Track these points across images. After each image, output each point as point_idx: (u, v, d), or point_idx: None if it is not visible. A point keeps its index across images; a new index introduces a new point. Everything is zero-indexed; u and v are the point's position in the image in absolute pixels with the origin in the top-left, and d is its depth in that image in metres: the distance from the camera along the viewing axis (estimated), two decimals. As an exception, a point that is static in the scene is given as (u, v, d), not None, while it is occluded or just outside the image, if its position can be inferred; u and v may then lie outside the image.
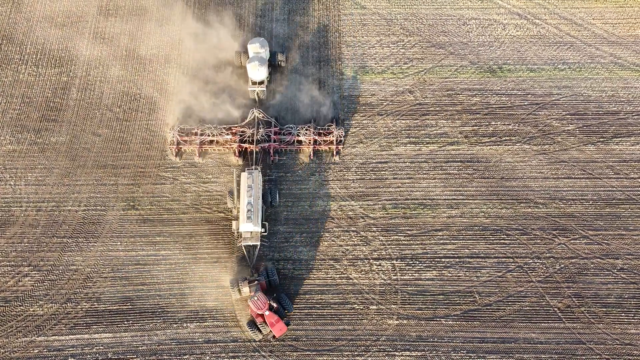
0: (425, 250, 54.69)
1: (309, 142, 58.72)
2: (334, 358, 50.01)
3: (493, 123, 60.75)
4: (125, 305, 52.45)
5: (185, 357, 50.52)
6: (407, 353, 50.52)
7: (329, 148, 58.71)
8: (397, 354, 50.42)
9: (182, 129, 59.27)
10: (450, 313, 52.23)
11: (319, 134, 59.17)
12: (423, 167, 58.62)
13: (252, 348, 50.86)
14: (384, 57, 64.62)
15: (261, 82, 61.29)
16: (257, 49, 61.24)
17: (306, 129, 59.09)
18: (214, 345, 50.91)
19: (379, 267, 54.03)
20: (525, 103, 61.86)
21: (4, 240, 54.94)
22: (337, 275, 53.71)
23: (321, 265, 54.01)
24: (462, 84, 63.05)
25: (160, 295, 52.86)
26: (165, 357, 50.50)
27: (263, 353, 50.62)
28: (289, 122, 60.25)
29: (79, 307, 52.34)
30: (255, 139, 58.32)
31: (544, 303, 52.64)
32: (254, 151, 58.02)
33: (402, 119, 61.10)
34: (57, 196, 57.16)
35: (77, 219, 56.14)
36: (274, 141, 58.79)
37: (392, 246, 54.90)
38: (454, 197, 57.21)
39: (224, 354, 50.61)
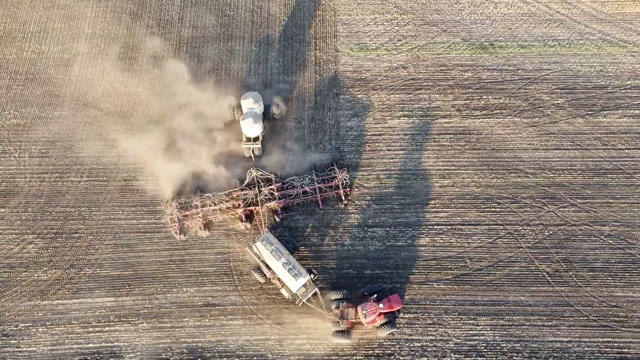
0: (418, 218, 56.29)
1: (315, 192, 56.15)
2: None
3: (484, 97, 62.34)
4: (126, 271, 54.07)
5: (185, 319, 52.16)
6: (400, 315, 52.13)
7: (336, 194, 56.30)
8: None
9: (181, 204, 55.87)
10: (442, 277, 53.80)
11: (323, 181, 56.87)
12: (416, 139, 60.20)
13: (250, 311, 52.50)
14: (379, 34, 66.20)
15: (256, 139, 58.01)
16: (251, 104, 57.86)
17: (309, 179, 57.07)
18: (212, 308, 52.59)
19: (373, 234, 55.66)
20: (516, 78, 63.45)
21: (8, 210, 56.60)
22: (333, 242, 55.40)
23: (317, 232, 55.64)
24: (455, 60, 64.65)
25: (160, 261, 54.54)
26: (166, 319, 52.14)
27: (260, 315, 52.22)
28: (290, 174, 57.44)
29: (82, 272, 53.95)
30: (259, 200, 55.61)
31: (533, 268, 54.24)
32: (261, 213, 55.39)
33: (396, 94, 62.69)
34: (60, 168, 58.76)
35: (80, 190, 57.76)
36: (279, 198, 55.79)
37: (386, 214, 56.54)
38: (446, 167, 58.79)
39: (222, 317, 52.25)
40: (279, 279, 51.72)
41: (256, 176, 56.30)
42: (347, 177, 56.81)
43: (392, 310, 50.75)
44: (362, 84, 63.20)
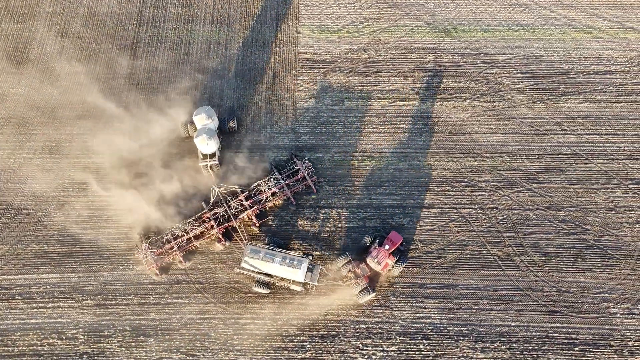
0: (370, 200, 55.63)
1: (284, 189, 54.91)
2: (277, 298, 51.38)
3: (444, 80, 61.57)
4: (73, 248, 53.65)
5: (129, 297, 51.70)
6: (347, 296, 51.47)
7: (305, 185, 55.32)
8: (335, 295, 51.47)
9: (152, 243, 52.84)
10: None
11: (288, 177, 55.76)
12: (373, 121, 59.51)
13: (196, 289, 51.97)
14: (341, 16, 65.53)
15: (212, 155, 55.98)
16: (204, 119, 55.50)
17: (274, 179, 55.28)
18: (158, 286, 52.10)
19: (324, 215, 55.02)
20: (477, 62, 62.65)
21: (-41, 185, 56.38)
22: (283, 223, 54.82)
23: (268, 212, 55.07)
24: (416, 43, 63.88)
25: (108, 238, 54.05)
26: (110, 296, 51.71)
27: (206, 295, 51.70)
28: (253, 180, 55.38)
29: (29, 248, 53.53)
30: (231, 215, 53.61)
31: (484, 251, 53.50)
32: (237, 227, 53.41)
33: (355, 76, 62.00)
34: (13, 144, 58.43)
35: (32, 166, 57.36)
36: (249, 207, 53.85)
37: (338, 195, 55.90)
38: (402, 150, 58.06)
39: (167, 295, 51.76)
40: (282, 279, 50.99)
41: (219, 193, 54.43)
42: (310, 166, 55.94)
43: (397, 246, 51.44)
44: (321, 66, 62.51)
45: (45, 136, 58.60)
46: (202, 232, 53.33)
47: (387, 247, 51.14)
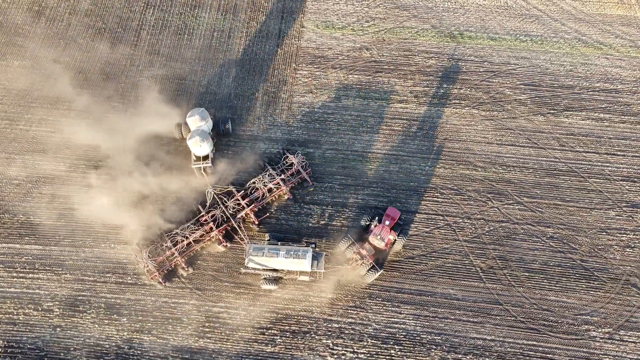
0: (356, 200, 55.14)
1: (279, 185, 54.26)
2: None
3: (445, 86, 60.76)
4: (59, 222, 54.24)
5: (108, 275, 52.07)
6: (323, 294, 51.13)
7: (300, 178, 55.00)
8: (311, 293, 51.16)
9: (152, 251, 51.76)
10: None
11: (282, 172, 55.10)
12: (368, 121, 58.99)
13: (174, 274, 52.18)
14: (347, 14, 65.15)
15: (206, 157, 54.89)
16: (197, 121, 54.56)
17: (269, 175, 54.58)
18: (136, 267, 52.32)
19: (308, 210, 54.71)
20: (481, 70, 61.66)
21: (-45, 151, 57.41)
22: (281, 218, 54.47)
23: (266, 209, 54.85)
24: (421, 46, 63.15)
25: (93, 215, 54.23)
26: (89, 273, 52.13)
27: (183, 280, 51.76)
28: (248, 178, 54.95)
29: (15, 218, 54.31)
30: (229, 215, 52.94)
31: (467, 262, 52.60)
32: (237, 227, 52.64)
33: (355, 74, 61.53)
34: (11, 115, 59.34)
35: (27, 138, 58.18)
36: (247, 205, 53.30)
37: (325, 192, 55.50)
38: (394, 152, 57.45)
39: (144, 276, 51.86)
40: (289, 272, 50.90)
41: (215, 194, 53.90)
42: (304, 159, 55.66)
43: (396, 221, 52.14)
44: (322, 62, 62.20)
45: (43, 110, 59.43)
46: (201, 236, 52.63)
47: (387, 222, 51.74)
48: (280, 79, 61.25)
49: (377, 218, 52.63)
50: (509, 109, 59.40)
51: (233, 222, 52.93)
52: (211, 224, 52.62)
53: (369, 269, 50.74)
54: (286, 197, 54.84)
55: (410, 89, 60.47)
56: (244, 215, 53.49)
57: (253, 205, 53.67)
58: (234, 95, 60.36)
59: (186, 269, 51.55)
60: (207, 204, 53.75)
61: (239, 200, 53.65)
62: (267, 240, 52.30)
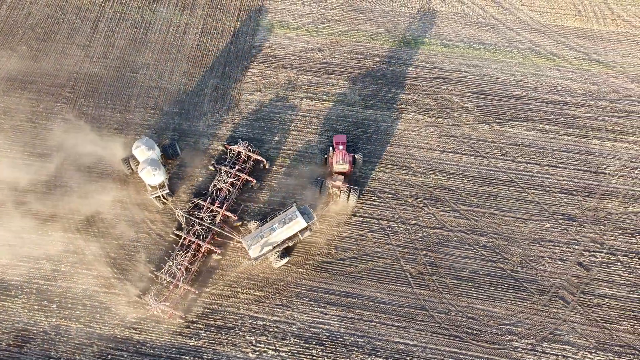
0: (293, 201, 55.47)
1: (238, 176, 55.26)
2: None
3: (393, 90, 60.93)
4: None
5: (43, 261, 52.67)
6: (251, 292, 51.64)
7: (254, 161, 56.32)
8: (239, 290, 51.65)
9: (157, 294, 51.24)
10: (302, 261, 52.96)
11: (234, 164, 55.74)
12: (313, 122, 59.35)
13: (106, 263, 52.87)
14: (303, 14, 65.50)
15: (162, 185, 54.43)
16: (145, 152, 53.83)
17: (225, 173, 55.09)
18: (71, 255, 52.97)
19: (245, 208, 55.21)
20: (431, 76, 61.75)
21: None
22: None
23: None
24: (373, 49, 63.36)
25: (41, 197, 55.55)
26: (25, 259, 52.83)
27: (114, 269, 52.46)
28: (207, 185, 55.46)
29: (-42, 202, 55.46)
30: (208, 225, 53.51)
31: (397, 266, 52.79)
32: (221, 231, 53.65)
33: (305, 75, 61.90)
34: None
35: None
36: (220, 208, 54.10)
37: (263, 191, 55.93)
38: (336, 154, 57.88)
39: (78, 265, 52.54)
40: (290, 237, 51.89)
41: (184, 215, 54.03)
42: (247, 143, 56.37)
43: (345, 143, 55.84)
44: (273, 61, 62.64)
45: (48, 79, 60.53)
46: (194, 256, 52.90)
47: (341, 147, 54.88)
48: (231, 76, 61.80)
49: (330, 148, 55.79)
50: (454, 116, 59.48)
51: (215, 229, 53.63)
52: (197, 241, 52.99)
53: (349, 194, 54.20)
54: (252, 184, 55.65)
55: (358, 91, 60.65)
56: (221, 217, 54.23)
57: (225, 205, 54.40)
58: (182, 91, 61.02)
59: (194, 292, 51.50)
60: (183, 225, 53.80)
61: (210, 207, 54.21)
62: (256, 225, 53.12)
